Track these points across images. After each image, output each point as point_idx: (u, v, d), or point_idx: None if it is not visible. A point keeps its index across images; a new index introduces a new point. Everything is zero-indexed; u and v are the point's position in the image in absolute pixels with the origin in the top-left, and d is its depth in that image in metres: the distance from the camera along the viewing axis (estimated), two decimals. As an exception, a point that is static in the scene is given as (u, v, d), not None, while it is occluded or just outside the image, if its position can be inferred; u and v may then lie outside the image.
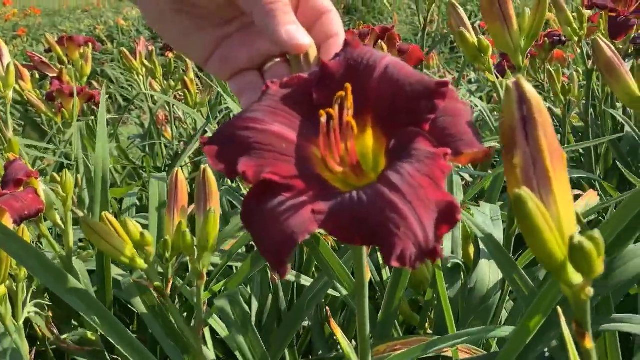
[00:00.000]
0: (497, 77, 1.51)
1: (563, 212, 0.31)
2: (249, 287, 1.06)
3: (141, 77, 1.93)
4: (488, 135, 1.78)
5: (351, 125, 0.37)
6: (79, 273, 0.92)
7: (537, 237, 0.29)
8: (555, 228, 0.30)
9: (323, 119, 0.36)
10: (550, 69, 1.45)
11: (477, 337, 0.67)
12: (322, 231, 0.62)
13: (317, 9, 0.45)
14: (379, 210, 0.31)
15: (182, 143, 1.97)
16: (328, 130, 0.37)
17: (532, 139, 0.31)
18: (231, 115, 1.66)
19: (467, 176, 1.42)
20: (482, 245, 0.84)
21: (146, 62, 1.91)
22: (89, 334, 0.95)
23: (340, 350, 0.97)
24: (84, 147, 1.44)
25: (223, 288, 0.90)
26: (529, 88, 0.31)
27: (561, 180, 0.31)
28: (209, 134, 1.50)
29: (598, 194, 1.14)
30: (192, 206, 0.72)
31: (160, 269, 0.71)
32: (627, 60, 1.47)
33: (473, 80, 2.69)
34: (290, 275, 0.99)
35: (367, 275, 0.49)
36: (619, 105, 1.61)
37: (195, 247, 0.67)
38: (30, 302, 0.78)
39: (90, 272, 1.05)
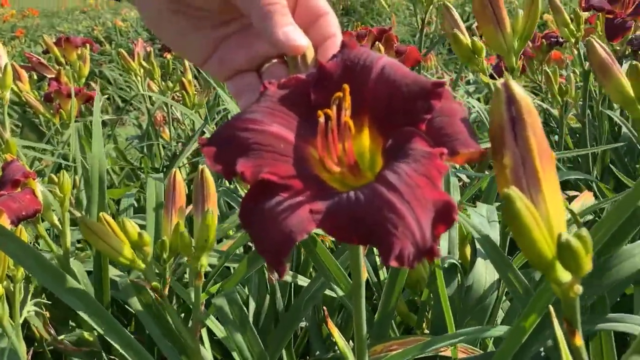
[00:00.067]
0: (495, 78, 1.52)
1: (552, 211, 0.31)
2: (246, 288, 1.06)
3: (139, 78, 1.93)
4: (486, 137, 1.78)
5: (349, 125, 0.37)
6: (77, 274, 0.92)
7: (526, 236, 0.29)
8: (544, 227, 0.30)
9: (321, 120, 0.37)
10: (548, 70, 1.46)
11: (473, 337, 0.68)
12: (319, 231, 0.63)
13: (314, 10, 0.45)
14: (377, 210, 0.32)
15: (180, 144, 1.97)
16: (326, 131, 0.37)
17: (521, 139, 0.31)
18: (229, 116, 1.66)
19: (464, 177, 1.42)
20: (478, 246, 0.84)
21: (144, 63, 1.91)
22: (87, 335, 0.95)
23: (338, 351, 0.97)
24: (81, 148, 1.44)
25: (220, 289, 0.90)
26: (517, 89, 0.31)
27: (550, 180, 0.31)
28: (207, 135, 1.50)
29: (595, 195, 1.15)
30: (190, 207, 0.73)
31: (157, 270, 0.71)
32: (624, 61, 1.48)
33: (471, 81, 2.70)
34: (288, 276, 0.99)
35: (364, 276, 0.49)
36: (616, 106, 1.62)
37: (193, 248, 0.67)
38: (30, 301, 0.78)
39: (87, 273, 1.05)
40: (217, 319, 0.87)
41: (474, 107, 1.68)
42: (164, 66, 2.00)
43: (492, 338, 0.85)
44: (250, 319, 1.00)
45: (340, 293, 0.81)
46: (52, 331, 0.94)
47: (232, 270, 1.04)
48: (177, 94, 1.93)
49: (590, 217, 1.13)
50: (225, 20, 0.47)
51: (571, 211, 0.72)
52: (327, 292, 0.89)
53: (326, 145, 0.37)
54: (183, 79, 1.77)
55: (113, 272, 0.97)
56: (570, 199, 1.07)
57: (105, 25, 8.04)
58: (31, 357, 0.82)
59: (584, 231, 0.29)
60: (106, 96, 2.95)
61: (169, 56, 2.40)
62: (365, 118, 0.39)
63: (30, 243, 1.04)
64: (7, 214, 0.70)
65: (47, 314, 0.94)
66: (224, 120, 1.87)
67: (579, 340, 0.32)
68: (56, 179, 0.86)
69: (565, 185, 1.34)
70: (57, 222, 0.87)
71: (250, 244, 1.07)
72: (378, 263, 1.03)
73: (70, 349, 0.94)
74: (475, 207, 0.97)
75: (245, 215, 0.35)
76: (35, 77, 1.80)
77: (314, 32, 0.45)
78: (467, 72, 2.85)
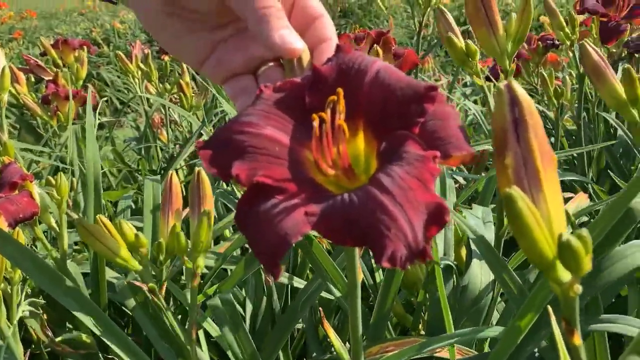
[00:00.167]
0: (491, 81, 1.52)
1: (553, 211, 0.31)
2: (243, 290, 1.06)
3: (137, 80, 1.94)
4: (482, 139, 1.79)
5: (343, 128, 0.37)
6: (73, 275, 0.93)
7: (528, 236, 0.30)
8: (545, 227, 0.30)
9: (315, 123, 0.37)
10: (544, 73, 1.46)
11: (468, 338, 0.68)
12: (315, 233, 0.63)
13: (310, 14, 0.46)
14: (370, 212, 0.32)
15: (177, 146, 1.97)
16: (320, 134, 0.37)
17: (523, 140, 0.31)
18: (226, 118, 1.67)
19: (460, 179, 1.43)
20: (474, 247, 0.85)
21: (142, 65, 1.91)
22: (84, 337, 0.95)
23: (335, 352, 0.97)
24: (79, 150, 1.44)
25: (217, 290, 0.90)
26: (520, 91, 0.32)
27: (551, 180, 0.32)
28: (205, 137, 1.50)
29: (590, 197, 1.16)
30: (187, 209, 0.73)
31: (154, 272, 0.71)
32: (620, 63, 1.49)
33: (468, 83, 2.71)
34: (284, 278, 0.99)
35: (360, 277, 0.49)
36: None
37: (189, 250, 0.67)
38: (24, 301, 0.78)
39: (84, 274, 1.05)
40: (213, 320, 0.88)
41: (470, 109, 1.69)
42: (161, 68, 2.00)
43: (489, 340, 0.85)
44: (247, 321, 1.01)
45: (337, 294, 0.81)
46: (50, 333, 0.94)
47: (229, 272, 1.04)
48: (175, 96, 1.93)
49: (585, 218, 1.14)
50: (221, 23, 0.47)
51: (566, 212, 0.72)
52: (324, 293, 0.90)
53: (321, 148, 0.37)
54: (181, 81, 1.78)
55: (110, 274, 0.98)
56: (566, 201, 1.07)
57: (103, 27, 8.03)
58: (28, 358, 0.82)
59: (585, 231, 0.29)
60: (105, 99, 2.95)
61: (166, 58, 2.40)
62: (360, 121, 0.39)
63: (28, 245, 1.04)
64: (5, 217, 0.70)
65: (45, 316, 0.94)
66: (221, 122, 1.88)
67: (578, 340, 0.32)
68: (53, 181, 0.86)
69: (560, 187, 1.35)
70: (54, 225, 0.87)
71: (247, 245, 1.07)
72: (374, 265, 1.04)
73: (67, 351, 0.94)
74: (471, 208, 0.98)
75: (241, 217, 0.35)
76: (32, 79, 1.80)
77: (310, 35, 0.46)
78: (464, 74, 2.86)
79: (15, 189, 0.77)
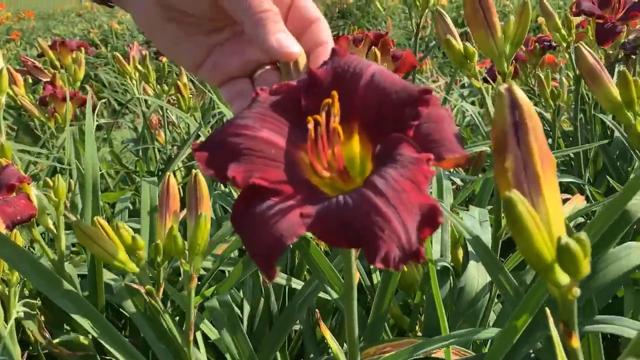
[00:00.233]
0: (489, 82, 1.52)
1: (552, 214, 0.32)
2: (241, 291, 1.07)
3: (134, 82, 1.94)
4: (480, 140, 1.80)
5: (337, 131, 0.38)
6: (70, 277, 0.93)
7: (527, 239, 0.30)
8: (544, 230, 0.30)
9: (310, 126, 0.37)
10: (540, 75, 1.47)
11: (465, 339, 0.68)
12: (311, 234, 0.63)
13: (306, 17, 0.46)
14: (364, 214, 0.32)
15: (175, 147, 1.97)
16: (315, 137, 0.38)
17: (523, 143, 0.31)
18: (224, 119, 1.67)
19: (458, 180, 1.43)
20: (470, 248, 0.85)
21: (139, 67, 1.92)
22: (81, 338, 0.95)
23: (332, 354, 0.97)
24: (76, 152, 1.44)
25: (215, 292, 0.91)
26: (520, 94, 0.32)
27: (551, 183, 0.32)
28: (202, 139, 1.50)
29: (587, 198, 1.16)
30: (184, 211, 0.73)
31: (151, 274, 0.71)
32: (617, 65, 1.49)
33: (466, 84, 2.71)
34: (282, 279, 0.99)
35: (356, 278, 0.50)
36: (608, 110, 1.63)
37: (186, 251, 0.67)
38: (19, 302, 0.78)
39: (82, 276, 1.05)
40: (211, 322, 0.88)
41: (467, 110, 1.69)
42: (159, 69, 2.00)
43: (487, 342, 0.85)
44: (245, 322, 1.01)
45: (335, 296, 0.81)
46: (47, 335, 0.94)
47: (226, 274, 1.04)
48: (173, 97, 1.93)
49: (581, 219, 1.14)
50: (217, 27, 0.48)
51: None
52: (322, 294, 0.90)
53: (316, 150, 0.38)
54: (178, 82, 1.78)
55: (108, 276, 0.98)
56: (562, 202, 1.08)
57: (101, 27, 8.03)
58: (26, 360, 0.82)
59: (583, 235, 0.29)
60: (103, 100, 2.95)
61: (164, 59, 2.40)
62: (355, 124, 0.40)
63: (25, 247, 1.04)
64: (2, 219, 0.70)
65: (42, 318, 0.94)
66: (219, 124, 1.88)
67: (576, 342, 0.32)
68: (51, 183, 0.86)
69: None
70: (52, 226, 0.87)
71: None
72: (371, 266, 1.04)
73: (64, 352, 0.94)
74: (468, 210, 0.98)
75: (237, 219, 0.36)
76: (30, 80, 1.80)
77: (306, 39, 0.46)
78: (462, 75, 2.86)
79: (12, 192, 0.77)
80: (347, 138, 0.40)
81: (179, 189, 0.77)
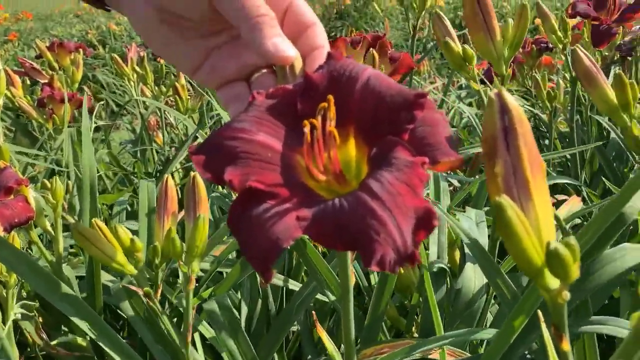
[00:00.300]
0: (485, 83, 1.53)
1: (542, 219, 0.32)
2: (238, 293, 1.07)
3: (132, 83, 1.94)
4: (477, 141, 1.80)
5: (333, 135, 0.38)
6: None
7: (516, 244, 0.30)
8: (534, 235, 0.31)
9: (306, 130, 0.38)
10: (537, 76, 1.47)
11: (461, 340, 0.69)
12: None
13: (302, 22, 0.47)
14: (360, 217, 0.33)
15: (173, 149, 1.97)
16: (311, 140, 0.38)
17: (512, 148, 0.32)
18: (222, 121, 1.67)
19: (454, 181, 1.44)
20: (467, 250, 0.85)
21: (137, 68, 1.92)
22: (79, 340, 0.95)
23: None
24: (74, 154, 1.44)
25: (212, 294, 0.91)
26: (510, 99, 0.32)
27: (540, 188, 0.32)
28: (200, 140, 1.51)
29: (583, 200, 1.16)
30: (182, 213, 0.73)
31: (149, 275, 0.72)
32: (613, 67, 1.50)
33: (463, 86, 2.72)
34: (280, 280, 0.99)
35: (352, 280, 0.50)
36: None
37: (184, 253, 0.68)
38: (16, 304, 0.78)
39: (80, 278, 1.05)
40: (208, 323, 0.88)
41: (465, 112, 1.70)
42: (157, 71, 2.01)
43: (484, 344, 0.86)
44: (243, 323, 1.01)
45: (332, 297, 0.82)
46: (45, 336, 0.94)
47: (224, 275, 1.04)
48: (171, 98, 1.94)
49: (578, 221, 1.15)
50: (214, 31, 0.48)
51: (556, 217, 0.73)
52: (319, 296, 0.90)
53: (312, 154, 0.38)
54: (176, 83, 1.78)
55: (105, 278, 0.98)
56: (559, 203, 1.08)
57: (99, 28, 8.02)
58: (23, 362, 0.82)
59: (572, 239, 0.30)
60: (101, 102, 2.95)
61: (162, 61, 2.40)
62: (350, 128, 0.40)
63: (23, 249, 1.04)
64: (0, 221, 0.70)
65: (40, 319, 0.95)
66: (217, 125, 1.88)
67: (567, 346, 0.33)
68: (49, 185, 0.86)
69: (554, 189, 1.36)
70: (49, 228, 0.87)
71: (242, 248, 1.08)
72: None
73: (62, 353, 0.94)
74: (465, 211, 0.98)
75: (233, 222, 0.36)
76: (28, 82, 1.80)
77: (302, 43, 0.46)
78: (459, 77, 2.87)
79: (10, 194, 0.77)
80: (343, 141, 0.40)
81: (177, 190, 0.77)
